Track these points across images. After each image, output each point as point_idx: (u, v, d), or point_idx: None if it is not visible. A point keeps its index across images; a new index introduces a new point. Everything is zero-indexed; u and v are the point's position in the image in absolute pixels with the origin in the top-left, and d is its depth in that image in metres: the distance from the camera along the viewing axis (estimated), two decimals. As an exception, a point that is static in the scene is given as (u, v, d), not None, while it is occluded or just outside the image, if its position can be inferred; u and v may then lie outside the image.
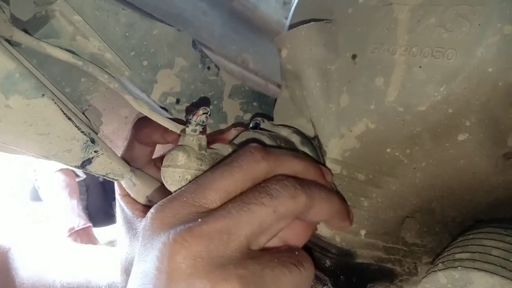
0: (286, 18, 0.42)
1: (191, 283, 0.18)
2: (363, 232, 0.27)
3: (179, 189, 0.23)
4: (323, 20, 0.27)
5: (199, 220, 0.19)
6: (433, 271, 0.22)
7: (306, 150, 0.27)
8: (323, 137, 0.27)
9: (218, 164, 0.22)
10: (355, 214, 0.26)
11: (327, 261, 0.27)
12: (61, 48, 0.27)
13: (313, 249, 0.27)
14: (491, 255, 0.21)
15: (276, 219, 0.20)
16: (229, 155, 0.24)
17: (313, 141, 0.27)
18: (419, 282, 0.22)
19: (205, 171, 0.23)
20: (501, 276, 0.20)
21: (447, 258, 0.22)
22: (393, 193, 0.26)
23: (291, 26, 0.29)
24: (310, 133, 0.28)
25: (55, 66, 0.28)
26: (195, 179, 0.22)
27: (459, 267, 0.21)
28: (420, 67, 0.22)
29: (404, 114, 0.23)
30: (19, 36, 0.25)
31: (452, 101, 0.22)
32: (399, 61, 0.23)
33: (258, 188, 0.21)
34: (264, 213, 0.20)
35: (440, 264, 0.22)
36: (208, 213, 0.20)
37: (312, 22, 0.26)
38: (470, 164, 0.24)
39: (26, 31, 0.26)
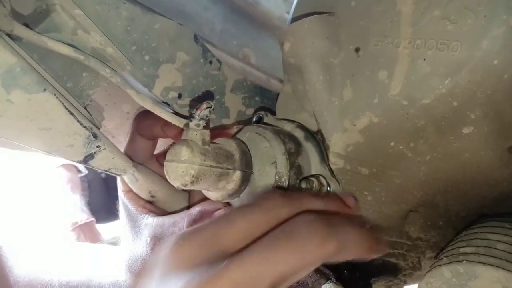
0: (288, 13, 0.42)
1: None
2: (367, 226, 0.27)
3: (182, 184, 0.23)
4: (325, 13, 0.26)
5: (225, 263, 0.19)
6: (438, 265, 0.22)
7: (309, 145, 0.27)
8: (326, 131, 0.26)
9: (236, 209, 0.22)
10: (359, 208, 0.26)
11: (331, 256, 0.27)
12: (62, 42, 0.26)
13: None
14: (496, 249, 0.21)
15: (302, 266, 0.19)
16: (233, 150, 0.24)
17: (316, 136, 0.27)
18: (423, 276, 0.22)
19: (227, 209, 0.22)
20: (506, 270, 0.20)
21: (452, 252, 0.22)
22: (397, 187, 0.26)
23: (294, 20, 0.28)
24: (313, 127, 0.28)
25: (56, 60, 0.27)
26: (215, 218, 0.22)
27: (464, 261, 0.21)
28: (424, 59, 0.22)
29: (408, 107, 0.23)
30: (20, 30, 0.25)
31: (457, 94, 0.22)
32: (403, 54, 0.23)
33: (285, 229, 0.20)
34: (290, 260, 0.19)
35: (444, 258, 0.22)
36: (233, 257, 0.19)
37: (315, 15, 0.26)
38: (475, 158, 0.23)
39: (27, 26, 0.26)
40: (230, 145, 0.25)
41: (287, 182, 0.25)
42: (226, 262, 0.19)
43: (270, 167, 0.25)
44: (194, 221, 0.30)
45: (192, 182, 0.23)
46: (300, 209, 0.22)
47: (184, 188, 0.23)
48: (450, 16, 0.21)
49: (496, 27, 0.20)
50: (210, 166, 0.23)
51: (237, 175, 0.25)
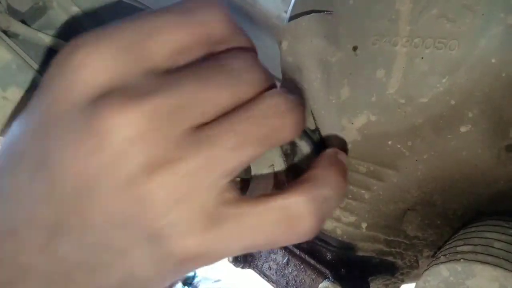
0: (286, 12, 0.42)
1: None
2: (364, 225, 0.27)
3: None
4: (323, 11, 0.26)
5: (145, 88, 0.14)
6: (435, 264, 0.22)
7: (303, 143, 0.27)
8: (323, 129, 0.26)
9: (166, 8, 0.16)
10: (356, 207, 0.26)
11: (328, 254, 0.27)
12: (59, 39, 0.26)
13: (314, 242, 0.27)
14: (494, 247, 0.21)
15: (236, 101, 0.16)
16: None
17: (313, 134, 0.27)
18: (420, 275, 0.22)
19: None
20: (504, 268, 0.20)
21: (449, 251, 0.22)
22: (394, 185, 0.26)
23: (292, 18, 0.28)
24: (311, 125, 0.28)
25: (53, 57, 0.27)
26: (135, 16, 0.16)
27: (462, 260, 0.21)
28: (422, 58, 0.22)
29: (405, 106, 0.23)
30: (17, 27, 0.25)
31: (454, 93, 0.22)
32: (401, 52, 0.23)
33: (219, 61, 0.16)
34: (222, 99, 0.15)
35: (442, 257, 0.22)
36: (156, 80, 0.15)
37: (313, 14, 0.26)
38: (472, 156, 0.23)
39: (23, 22, 0.26)
40: None
41: (285, 185, 0.25)
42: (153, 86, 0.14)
43: (268, 170, 0.25)
44: None
45: None
46: (238, 42, 0.17)
47: None
48: (448, 14, 0.22)
49: (494, 25, 0.20)
50: None
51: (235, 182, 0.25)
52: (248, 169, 0.26)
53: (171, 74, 0.15)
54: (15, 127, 0.17)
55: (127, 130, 0.14)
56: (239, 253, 0.17)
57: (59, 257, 0.15)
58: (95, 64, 0.15)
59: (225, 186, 0.16)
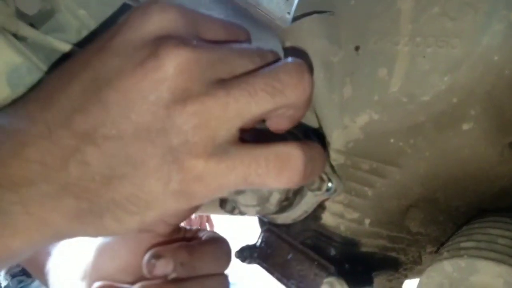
0: (289, 13, 0.42)
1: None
2: (367, 221, 0.27)
3: None
4: (325, 12, 0.27)
5: (197, 43, 0.19)
6: (439, 260, 0.22)
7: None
8: (326, 128, 0.27)
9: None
10: (359, 203, 0.27)
11: (332, 250, 0.27)
12: (67, 42, 0.27)
13: (318, 238, 0.27)
14: (497, 243, 0.21)
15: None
16: None
17: (316, 132, 0.28)
18: (423, 271, 0.22)
19: None
20: (508, 264, 0.20)
21: (453, 247, 0.22)
22: (397, 182, 0.26)
23: (294, 19, 0.29)
24: (314, 124, 0.28)
25: (61, 60, 0.28)
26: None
27: (465, 256, 0.21)
28: (424, 57, 0.22)
29: (407, 104, 0.23)
30: (25, 30, 0.26)
31: (456, 90, 0.22)
32: (403, 51, 0.23)
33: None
34: (249, 65, 0.20)
35: (445, 253, 0.22)
36: (204, 42, 0.20)
37: (315, 14, 0.26)
38: (475, 154, 0.24)
39: (32, 26, 0.26)
40: None
41: None
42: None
43: None
44: None
45: None
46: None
47: None
48: (450, 12, 0.22)
49: (496, 23, 0.20)
50: None
51: None
52: None
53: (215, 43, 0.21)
54: (77, 53, 0.21)
55: (180, 60, 0.18)
56: (234, 186, 0.19)
57: (80, 166, 0.18)
58: (166, 15, 0.19)
59: (236, 128, 0.19)
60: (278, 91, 0.19)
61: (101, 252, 0.32)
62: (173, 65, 0.18)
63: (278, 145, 0.20)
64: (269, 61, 0.21)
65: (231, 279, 0.32)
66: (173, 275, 0.28)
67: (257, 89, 0.19)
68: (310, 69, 0.22)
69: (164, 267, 0.28)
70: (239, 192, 0.26)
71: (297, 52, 0.27)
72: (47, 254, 0.38)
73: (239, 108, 0.19)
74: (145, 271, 0.28)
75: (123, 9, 0.29)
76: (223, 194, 0.20)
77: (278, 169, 0.19)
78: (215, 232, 0.33)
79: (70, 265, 0.36)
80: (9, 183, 0.18)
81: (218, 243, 0.31)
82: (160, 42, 0.18)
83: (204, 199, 0.19)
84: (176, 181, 0.18)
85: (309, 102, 0.21)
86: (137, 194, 0.18)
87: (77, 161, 0.18)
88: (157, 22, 0.19)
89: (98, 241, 0.32)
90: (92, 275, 0.32)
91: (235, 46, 0.21)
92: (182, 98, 0.18)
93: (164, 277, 0.28)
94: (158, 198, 0.19)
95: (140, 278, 0.29)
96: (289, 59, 0.21)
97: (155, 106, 0.18)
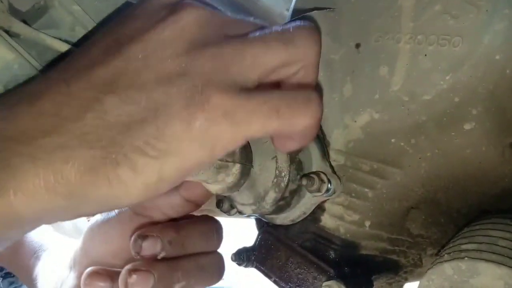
0: (288, 10, 0.42)
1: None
2: (367, 223, 0.27)
3: None
4: (326, 8, 0.26)
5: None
6: (439, 262, 0.21)
7: (313, 144, 0.27)
8: (326, 127, 0.26)
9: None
10: (360, 205, 0.26)
11: (332, 253, 0.27)
12: (60, 39, 0.26)
13: (317, 240, 0.27)
14: (498, 245, 0.21)
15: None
16: None
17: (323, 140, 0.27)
18: (424, 273, 0.22)
19: None
20: (509, 266, 0.20)
21: (453, 249, 0.22)
22: (398, 183, 0.26)
23: (293, 15, 0.28)
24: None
25: (54, 57, 0.27)
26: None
27: (466, 258, 0.21)
28: (425, 55, 0.22)
29: (409, 103, 0.23)
30: (18, 26, 0.25)
31: (458, 90, 0.21)
32: (404, 49, 0.23)
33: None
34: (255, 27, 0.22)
35: (446, 255, 0.22)
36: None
37: (315, 11, 0.26)
38: (476, 154, 0.23)
39: (25, 22, 0.26)
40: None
41: (287, 177, 0.25)
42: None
43: (271, 162, 0.25)
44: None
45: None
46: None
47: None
48: (452, 11, 0.21)
49: (498, 21, 0.20)
50: None
51: (236, 168, 0.25)
52: (249, 158, 0.26)
53: None
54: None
55: (197, 14, 0.20)
56: (262, 126, 0.19)
57: (98, 115, 0.18)
58: None
59: (255, 76, 0.20)
60: (289, 41, 0.21)
61: (91, 236, 0.32)
62: (191, 18, 0.20)
63: (298, 90, 0.22)
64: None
65: (227, 283, 0.31)
66: (162, 254, 0.27)
67: (270, 38, 0.20)
68: (318, 30, 0.24)
69: (152, 247, 0.27)
70: (236, 190, 0.26)
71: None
72: (36, 258, 0.37)
73: (255, 55, 0.20)
74: (133, 252, 0.28)
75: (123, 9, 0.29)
76: (251, 138, 0.20)
77: (306, 100, 0.21)
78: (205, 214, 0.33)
79: (57, 260, 0.36)
80: (20, 134, 0.18)
81: (206, 220, 0.31)
82: (177, 3, 0.20)
83: (228, 146, 0.19)
84: (201, 120, 0.18)
85: (317, 63, 0.23)
86: (158, 137, 0.18)
87: (95, 111, 0.18)
88: None
89: (88, 227, 0.32)
90: (82, 261, 0.32)
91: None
92: (201, 44, 0.19)
93: (154, 257, 0.27)
94: (181, 141, 0.18)
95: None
96: (298, 21, 0.22)
97: (176, 53, 0.19)
